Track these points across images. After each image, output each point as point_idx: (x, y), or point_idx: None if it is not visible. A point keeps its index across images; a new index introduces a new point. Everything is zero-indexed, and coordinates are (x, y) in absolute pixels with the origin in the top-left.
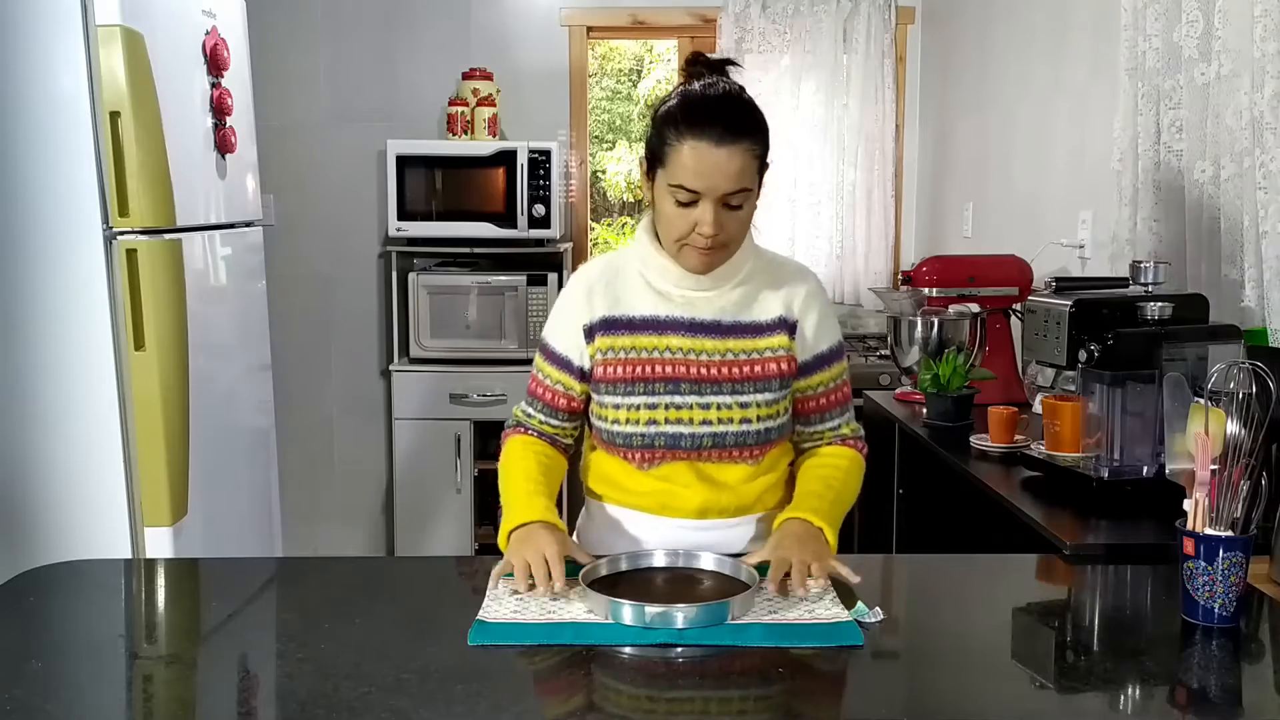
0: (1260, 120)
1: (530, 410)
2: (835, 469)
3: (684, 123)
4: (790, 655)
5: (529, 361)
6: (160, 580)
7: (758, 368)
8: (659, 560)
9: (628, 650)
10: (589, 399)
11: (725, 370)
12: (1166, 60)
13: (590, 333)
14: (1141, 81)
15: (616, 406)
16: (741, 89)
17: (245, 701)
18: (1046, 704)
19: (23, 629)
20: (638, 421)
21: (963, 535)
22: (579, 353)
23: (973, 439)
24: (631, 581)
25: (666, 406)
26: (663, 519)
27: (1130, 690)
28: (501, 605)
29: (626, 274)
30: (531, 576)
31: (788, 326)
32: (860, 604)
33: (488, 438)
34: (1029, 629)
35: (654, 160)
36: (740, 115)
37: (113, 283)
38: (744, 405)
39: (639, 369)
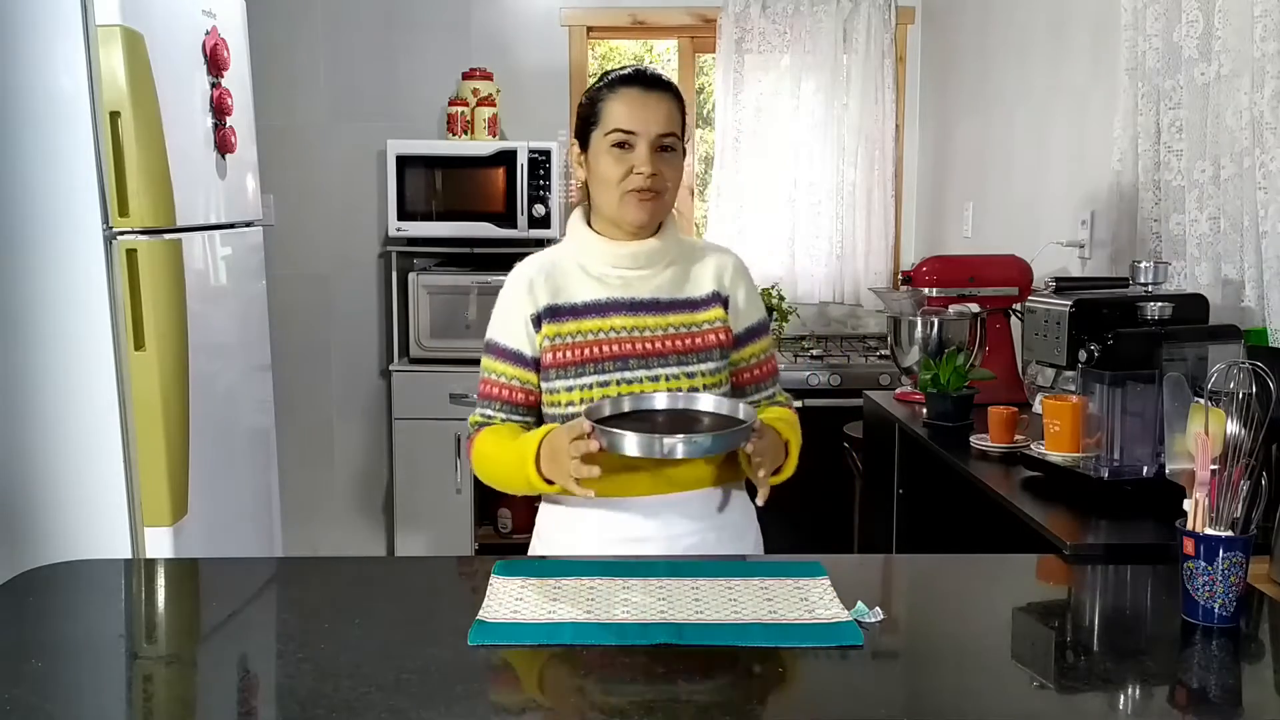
0: (1260, 120)
1: (489, 411)
2: (781, 417)
3: (614, 81)
4: (790, 655)
5: None
6: (160, 580)
7: (698, 339)
8: (660, 402)
9: (627, 649)
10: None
11: (669, 343)
12: (1166, 60)
13: (537, 321)
14: (1141, 81)
15: (569, 389)
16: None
17: (245, 701)
18: (1046, 704)
19: (22, 629)
20: (591, 399)
21: (963, 535)
22: (530, 343)
23: (973, 439)
24: (634, 422)
25: (618, 382)
26: (621, 503)
27: (1130, 690)
28: (501, 605)
29: (563, 266)
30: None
31: (721, 300)
32: (860, 604)
33: None
34: (1029, 629)
35: (586, 128)
36: (659, 75)
37: (113, 282)
38: (690, 375)
39: (587, 350)
